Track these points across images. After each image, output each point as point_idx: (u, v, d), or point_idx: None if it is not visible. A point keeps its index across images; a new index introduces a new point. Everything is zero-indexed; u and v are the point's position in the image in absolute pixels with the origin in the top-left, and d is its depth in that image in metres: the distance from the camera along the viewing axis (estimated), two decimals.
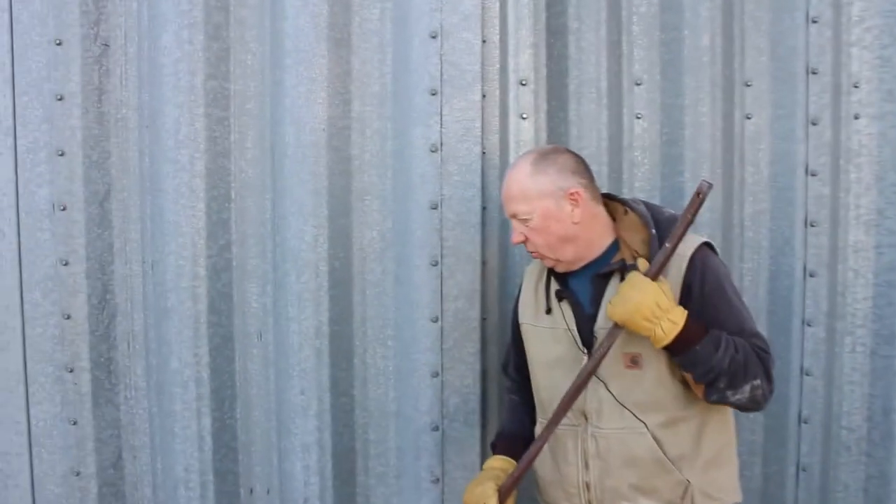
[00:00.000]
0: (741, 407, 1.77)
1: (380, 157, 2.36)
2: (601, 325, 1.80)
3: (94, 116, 2.39)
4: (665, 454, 1.79)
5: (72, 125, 2.37)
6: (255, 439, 2.45)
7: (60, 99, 2.37)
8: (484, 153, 2.36)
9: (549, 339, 1.88)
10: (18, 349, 2.41)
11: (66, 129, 2.37)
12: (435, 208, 2.33)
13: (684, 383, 1.79)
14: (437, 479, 2.38)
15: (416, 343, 2.36)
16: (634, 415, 1.79)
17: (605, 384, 1.80)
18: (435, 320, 2.35)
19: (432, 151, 2.32)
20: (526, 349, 1.97)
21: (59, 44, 2.36)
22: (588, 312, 1.83)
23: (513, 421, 2.07)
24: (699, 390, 1.75)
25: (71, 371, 2.42)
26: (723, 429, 1.88)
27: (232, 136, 2.37)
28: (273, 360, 2.40)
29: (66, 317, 2.40)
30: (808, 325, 2.48)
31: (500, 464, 1.94)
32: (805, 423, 2.52)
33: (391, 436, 2.42)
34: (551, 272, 1.90)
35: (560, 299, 1.87)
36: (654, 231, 1.78)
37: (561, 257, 1.82)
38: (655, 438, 1.79)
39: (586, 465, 1.84)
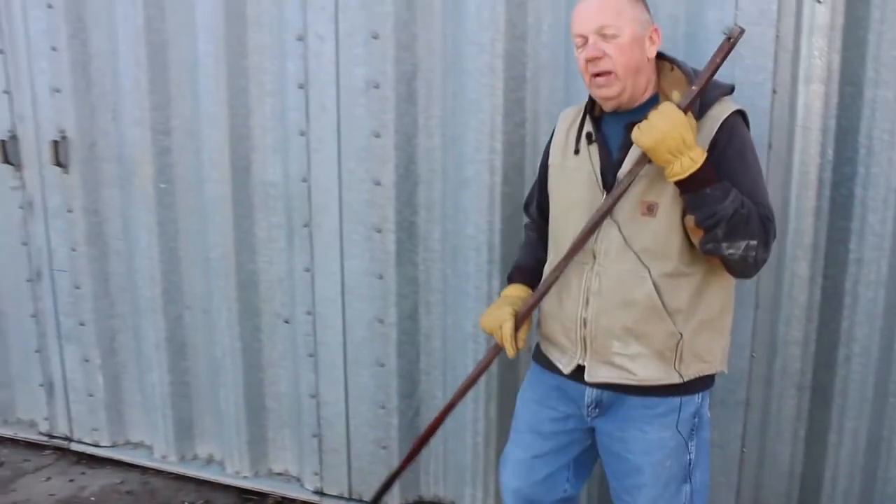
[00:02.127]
0: (732, 264, 1.87)
1: (671, 40, 2.47)
2: (626, 171, 1.90)
3: (405, 2, 2.69)
4: (663, 303, 1.91)
5: (385, 11, 2.69)
6: None
7: None
8: (777, 37, 2.40)
9: (572, 180, 2.01)
10: (336, 211, 2.84)
11: (381, 14, 2.69)
12: None
13: (690, 240, 1.90)
14: None
15: None
16: (640, 259, 1.91)
17: (618, 226, 1.92)
18: None
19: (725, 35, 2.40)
20: (549, 190, 2.11)
21: None
22: (615, 158, 1.94)
23: (529, 255, 2.22)
24: (697, 237, 1.85)
25: (379, 231, 2.82)
26: (723, 295, 2.00)
27: (529, 19, 2.59)
28: None
29: (376, 183, 2.78)
30: None
31: (518, 292, 2.14)
32: None
33: None
34: (587, 116, 2.02)
35: (590, 142, 1.99)
36: (695, 87, 1.84)
37: (627, 85, 1.89)
38: (656, 286, 1.90)
39: (587, 302, 1.97)
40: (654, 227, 1.90)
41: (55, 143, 3.25)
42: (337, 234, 2.86)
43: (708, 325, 1.99)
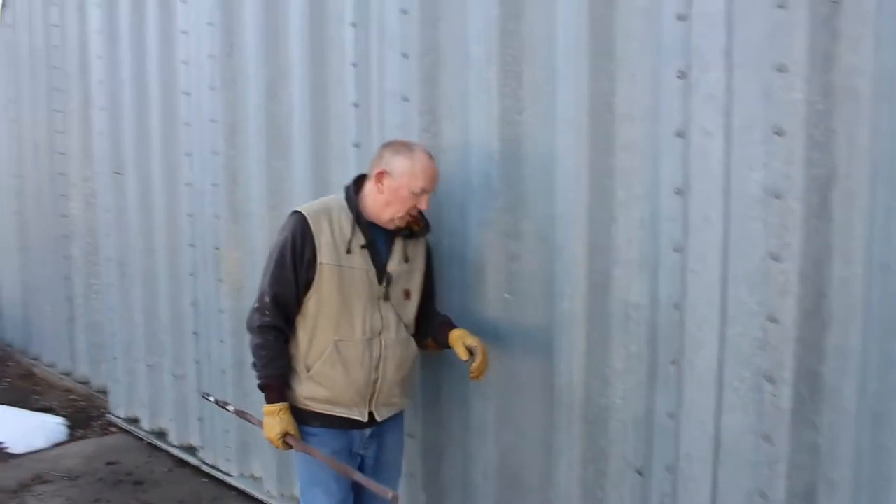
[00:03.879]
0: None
1: None
2: (391, 268, 2.70)
3: (819, 88, 2.14)
4: (414, 356, 2.85)
5: (793, 99, 2.17)
6: None
7: (781, 70, 2.17)
8: None
9: (353, 276, 2.64)
10: (714, 348, 2.33)
11: (787, 103, 2.17)
12: None
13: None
14: None
15: None
16: (407, 329, 2.78)
17: (394, 308, 2.72)
18: None
19: None
20: (323, 283, 2.62)
21: (782, 6, 2.17)
22: (384, 259, 2.70)
23: (286, 365, 2.70)
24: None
25: (770, 381, 2.24)
26: None
27: None
28: None
29: (771, 319, 2.22)
30: None
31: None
32: None
33: None
34: (358, 226, 2.66)
35: (364, 247, 2.65)
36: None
37: None
38: (416, 346, 2.84)
39: (376, 367, 2.67)
40: (411, 306, 2.80)
41: None
42: (714, 377, 2.34)
43: None
